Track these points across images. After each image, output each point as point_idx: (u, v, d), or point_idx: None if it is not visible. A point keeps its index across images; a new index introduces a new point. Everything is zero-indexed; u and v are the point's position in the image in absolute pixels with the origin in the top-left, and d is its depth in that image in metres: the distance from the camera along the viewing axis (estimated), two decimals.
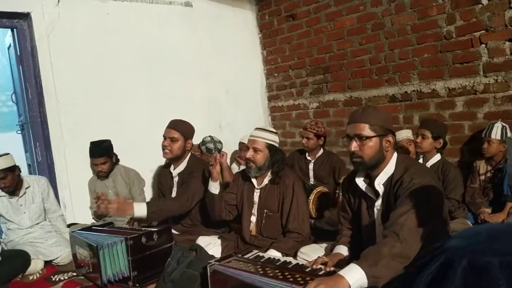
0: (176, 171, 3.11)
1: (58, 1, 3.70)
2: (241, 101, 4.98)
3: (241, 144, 4.25)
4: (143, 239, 2.64)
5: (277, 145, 2.62)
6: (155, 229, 2.72)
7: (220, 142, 3.94)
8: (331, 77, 4.52)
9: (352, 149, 1.93)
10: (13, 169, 3.19)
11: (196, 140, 4.01)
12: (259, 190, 2.63)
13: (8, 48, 3.93)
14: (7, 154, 3.21)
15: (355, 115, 1.97)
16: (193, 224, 3.11)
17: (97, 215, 3.71)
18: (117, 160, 3.80)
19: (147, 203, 2.77)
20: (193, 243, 2.65)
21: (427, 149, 3.10)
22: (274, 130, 2.69)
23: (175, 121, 3.12)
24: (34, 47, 3.61)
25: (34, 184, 3.35)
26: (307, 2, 4.59)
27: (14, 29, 3.63)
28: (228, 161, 4.44)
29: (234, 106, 4.89)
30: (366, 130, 1.90)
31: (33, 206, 3.33)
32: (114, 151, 3.75)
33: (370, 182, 2.00)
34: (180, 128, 3.07)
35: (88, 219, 3.77)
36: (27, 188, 3.31)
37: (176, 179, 3.11)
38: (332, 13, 4.38)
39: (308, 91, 4.78)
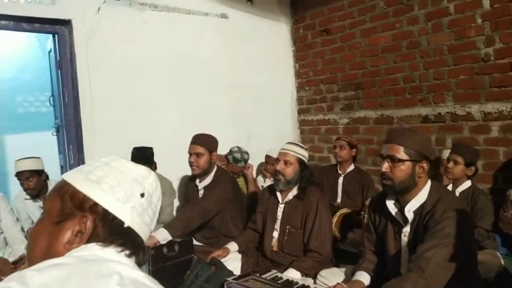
0: (202, 184, 3.13)
1: (98, 9, 3.82)
2: (271, 113, 4.98)
3: (267, 157, 4.25)
4: (165, 250, 2.66)
5: (306, 161, 2.62)
6: (177, 240, 2.74)
7: (247, 153, 3.94)
8: (363, 93, 4.47)
9: (383, 169, 1.90)
10: (40, 173, 3.28)
11: (224, 150, 4.04)
12: (283, 205, 2.62)
13: (49, 52, 4.07)
14: (38, 158, 3.31)
15: (392, 135, 1.94)
16: (215, 236, 3.12)
17: None
18: (155, 168, 3.86)
19: (169, 227, 2.77)
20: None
21: (459, 176, 3.01)
22: (305, 146, 2.70)
23: (197, 136, 3.15)
24: (73, 53, 3.73)
25: None
26: (342, 17, 4.57)
27: (55, 35, 3.76)
28: (254, 173, 4.45)
29: (263, 118, 4.90)
30: (400, 153, 1.86)
31: None
32: None
33: (401, 207, 1.96)
34: (204, 142, 3.10)
35: None
36: None
37: (201, 192, 3.14)
38: (367, 30, 4.33)
39: (338, 107, 4.74)
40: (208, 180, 3.12)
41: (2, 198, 3.20)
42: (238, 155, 3.87)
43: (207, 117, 4.40)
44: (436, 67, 3.79)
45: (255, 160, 4.62)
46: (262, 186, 4.11)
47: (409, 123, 4.05)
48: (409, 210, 1.89)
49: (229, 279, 2.03)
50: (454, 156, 3.00)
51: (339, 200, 3.78)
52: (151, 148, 3.74)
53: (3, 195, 3.24)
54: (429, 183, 1.90)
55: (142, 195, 0.91)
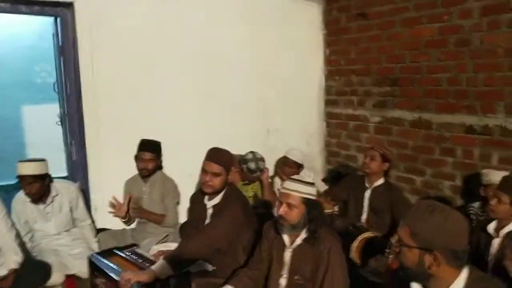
0: (210, 203, 2.77)
1: None
2: (295, 104, 4.53)
3: (285, 158, 3.86)
4: (158, 286, 2.40)
5: (314, 198, 2.22)
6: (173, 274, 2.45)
7: (262, 160, 3.55)
8: (399, 91, 3.95)
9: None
10: (44, 177, 3.02)
11: (238, 147, 3.65)
12: (291, 250, 2.26)
13: (53, 35, 3.72)
14: (43, 160, 3.06)
15: (407, 212, 1.56)
16: (222, 263, 2.77)
17: (123, 221, 3.51)
18: (161, 166, 3.56)
19: (171, 262, 2.45)
20: None
21: (502, 216, 2.55)
22: (311, 181, 2.27)
23: (215, 152, 2.73)
24: (75, 38, 3.36)
25: (63, 192, 3.18)
26: (381, 1, 3.98)
27: (57, 18, 3.39)
28: (271, 172, 4.10)
29: (286, 109, 4.46)
30: (406, 236, 1.50)
31: (60, 215, 3.18)
32: None
33: None
34: (223, 161, 2.68)
35: (119, 223, 3.58)
36: (54, 196, 3.15)
37: (210, 211, 2.79)
38: (410, 19, 3.75)
39: (371, 102, 4.24)
40: (218, 199, 2.75)
41: None
42: (252, 165, 3.47)
43: (221, 110, 4.04)
44: (488, 72, 3.24)
45: (275, 155, 4.26)
46: (278, 190, 3.74)
47: (450, 131, 3.56)
48: None
49: None
50: (500, 194, 2.54)
51: (364, 216, 3.39)
52: (159, 142, 3.46)
53: None
54: (464, 273, 1.48)
55: None
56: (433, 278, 1.49)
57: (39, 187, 3.01)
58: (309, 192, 2.20)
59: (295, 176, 2.32)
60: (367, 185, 3.39)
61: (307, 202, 2.18)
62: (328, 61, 4.66)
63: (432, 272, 1.47)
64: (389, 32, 3.96)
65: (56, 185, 3.20)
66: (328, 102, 4.73)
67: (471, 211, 3.15)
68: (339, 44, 4.52)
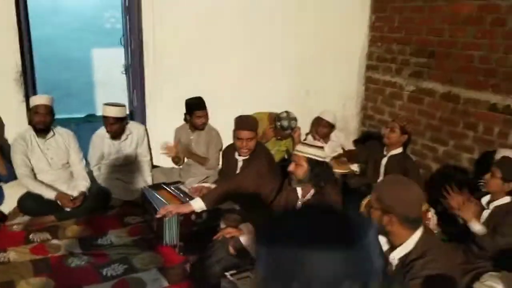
0: (241, 157, 3.31)
1: None
2: (335, 67, 4.78)
3: (319, 119, 4.22)
4: (193, 216, 2.98)
5: (320, 159, 2.64)
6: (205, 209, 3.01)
7: (295, 119, 3.95)
8: (435, 63, 4.13)
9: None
10: (123, 119, 3.70)
11: (278, 106, 4.08)
12: (301, 202, 2.73)
13: None
14: (123, 106, 3.74)
15: (379, 181, 1.98)
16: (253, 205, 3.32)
17: (174, 161, 4.11)
18: (207, 116, 4.07)
19: (205, 199, 2.96)
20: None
21: (493, 190, 2.84)
22: (321, 145, 2.71)
23: (245, 120, 3.27)
24: (140, 1, 3.82)
25: (134, 131, 3.86)
26: None
27: None
28: (304, 133, 4.49)
29: (327, 71, 4.74)
30: (374, 199, 1.91)
31: (129, 150, 3.85)
32: None
33: (390, 247, 2.00)
34: (253, 126, 3.26)
35: (169, 162, 4.19)
36: (128, 134, 3.82)
37: (240, 164, 3.33)
38: None
39: (407, 71, 4.45)
40: (247, 154, 3.29)
41: (73, 137, 3.66)
42: (285, 123, 3.90)
43: (265, 69, 4.40)
44: None
45: (313, 115, 4.60)
46: None
47: (475, 107, 3.76)
48: (394, 257, 1.92)
49: (228, 274, 2.26)
50: (493, 169, 2.81)
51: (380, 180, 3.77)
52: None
53: (73, 134, 3.70)
54: (418, 234, 1.88)
55: None
56: (391, 233, 1.92)
57: (118, 127, 3.71)
58: (313, 153, 2.63)
59: (305, 141, 2.76)
60: (385, 152, 3.72)
61: (310, 161, 2.61)
62: (372, 27, 4.84)
63: (388, 229, 1.89)
64: (432, 4, 4.08)
65: (130, 126, 3.87)
66: (369, 67, 4.96)
67: (481, 184, 3.43)
68: (384, 11, 4.67)
